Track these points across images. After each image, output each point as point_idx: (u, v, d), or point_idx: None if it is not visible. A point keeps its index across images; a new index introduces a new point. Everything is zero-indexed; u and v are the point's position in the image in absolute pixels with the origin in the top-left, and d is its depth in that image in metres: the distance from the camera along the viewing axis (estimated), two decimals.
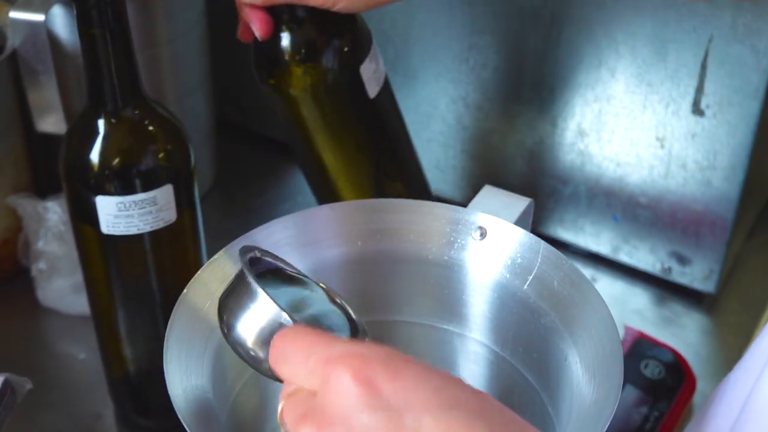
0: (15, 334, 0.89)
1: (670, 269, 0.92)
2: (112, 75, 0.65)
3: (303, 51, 0.78)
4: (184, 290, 0.57)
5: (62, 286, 0.88)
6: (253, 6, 0.72)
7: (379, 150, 0.86)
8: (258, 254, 0.54)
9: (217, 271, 0.58)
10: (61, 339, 0.89)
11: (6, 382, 0.69)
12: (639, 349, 0.83)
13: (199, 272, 0.58)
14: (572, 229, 0.94)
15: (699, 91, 0.83)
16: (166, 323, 0.55)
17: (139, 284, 0.74)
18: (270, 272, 0.54)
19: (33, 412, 0.79)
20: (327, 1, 0.70)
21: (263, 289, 0.49)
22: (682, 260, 0.91)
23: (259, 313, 0.49)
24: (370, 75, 0.80)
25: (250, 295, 0.49)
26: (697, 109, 0.84)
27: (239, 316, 0.49)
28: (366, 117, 0.83)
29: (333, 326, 0.53)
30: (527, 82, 0.90)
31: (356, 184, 0.86)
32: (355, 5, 0.71)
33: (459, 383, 0.41)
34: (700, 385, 0.81)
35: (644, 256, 0.93)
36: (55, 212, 0.87)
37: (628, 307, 0.92)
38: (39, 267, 0.88)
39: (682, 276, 0.92)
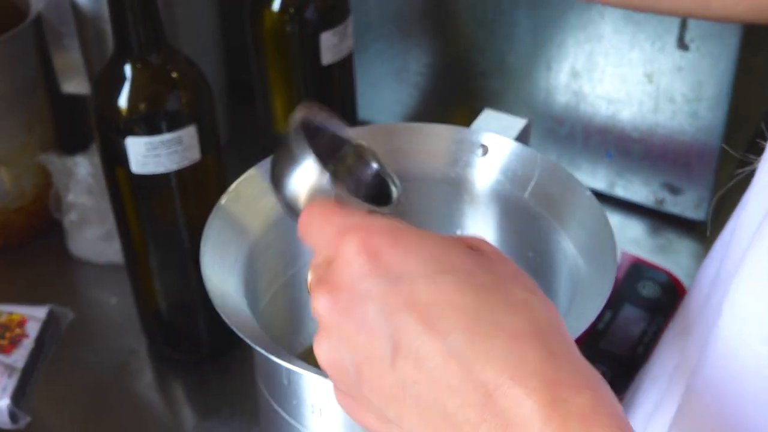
0: (50, 284, 0.91)
1: (663, 200, 0.95)
2: (137, 23, 0.69)
3: (280, 4, 0.86)
4: (220, 200, 0.60)
5: (92, 236, 0.91)
6: None
7: (315, 101, 0.92)
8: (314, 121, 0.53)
9: (249, 185, 0.62)
10: (93, 286, 0.91)
11: (51, 311, 0.74)
12: (635, 272, 0.85)
13: (233, 185, 0.61)
14: (569, 167, 0.93)
15: (683, 26, 0.85)
16: (194, 260, 0.58)
17: (168, 223, 0.78)
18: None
19: (73, 348, 0.82)
20: None
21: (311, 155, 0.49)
22: (673, 191, 0.94)
23: (305, 175, 0.49)
24: (329, 45, 0.87)
25: (297, 159, 0.50)
26: (681, 44, 0.86)
27: (289, 176, 0.50)
28: (312, 73, 0.90)
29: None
30: (522, 27, 0.92)
31: (288, 117, 0.93)
32: None
33: (458, 249, 0.43)
34: None
35: (638, 189, 0.95)
36: (83, 166, 0.90)
37: (625, 238, 0.94)
38: (70, 218, 0.91)
39: (674, 206, 0.95)
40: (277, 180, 0.50)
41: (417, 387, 0.40)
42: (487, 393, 0.39)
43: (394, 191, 0.53)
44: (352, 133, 0.54)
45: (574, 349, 0.41)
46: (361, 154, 0.54)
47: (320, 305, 0.43)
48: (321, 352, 0.44)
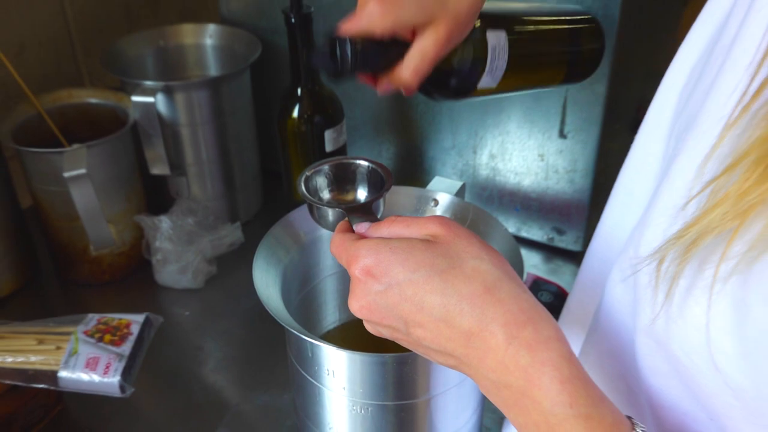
0: (144, 303, 0.92)
1: (552, 238, 0.97)
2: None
3: (298, 111, 0.89)
4: (266, 235, 0.61)
5: (172, 270, 0.92)
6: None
7: None
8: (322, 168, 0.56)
9: (282, 228, 0.63)
10: (173, 304, 0.92)
11: (147, 317, 0.74)
12: (536, 286, 0.88)
13: (272, 228, 0.62)
14: None
15: (562, 122, 0.88)
16: None
17: None
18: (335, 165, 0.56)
19: (161, 344, 0.82)
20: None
21: (318, 203, 0.53)
22: (560, 232, 0.96)
23: (322, 212, 0.53)
24: (331, 138, 0.90)
25: (314, 208, 0.53)
26: (562, 134, 0.89)
27: (315, 210, 0.54)
28: (320, 158, 0.90)
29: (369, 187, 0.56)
30: (458, 126, 0.95)
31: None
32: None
33: (420, 249, 0.42)
34: None
35: (536, 231, 0.98)
36: (165, 222, 0.91)
37: (529, 264, 0.96)
38: (156, 258, 0.92)
39: (560, 242, 0.97)
40: (313, 216, 0.54)
41: (426, 341, 0.42)
42: (467, 338, 0.41)
43: (385, 177, 0.55)
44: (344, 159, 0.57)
45: (517, 289, 0.41)
46: (354, 167, 0.57)
47: (353, 308, 0.45)
48: (368, 328, 0.46)
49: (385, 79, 0.53)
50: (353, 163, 0.56)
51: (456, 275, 0.41)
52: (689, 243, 0.34)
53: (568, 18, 0.69)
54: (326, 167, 0.56)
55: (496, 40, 0.57)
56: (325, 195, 0.56)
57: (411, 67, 0.52)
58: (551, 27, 0.67)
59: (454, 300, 0.41)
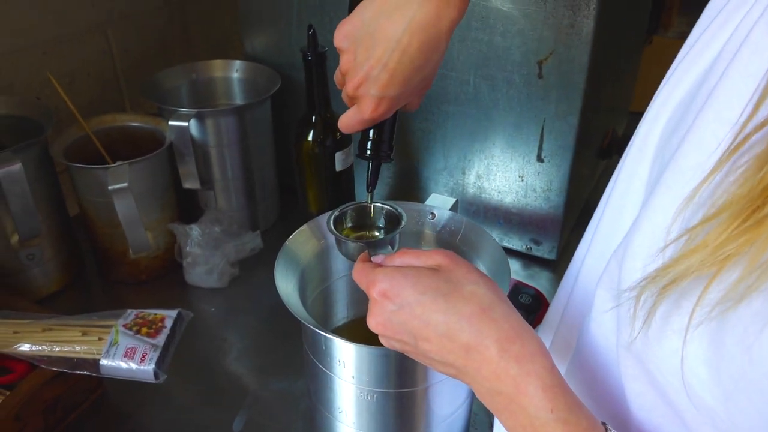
0: (174, 300, 0.90)
1: (530, 248, 0.96)
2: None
3: (312, 136, 0.88)
4: (286, 242, 0.60)
5: (200, 271, 0.91)
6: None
7: (332, 193, 0.93)
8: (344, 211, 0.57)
9: (302, 235, 0.62)
10: (201, 301, 0.90)
11: (179, 312, 0.72)
12: (517, 289, 0.86)
13: (294, 233, 0.61)
14: None
15: (540, 148, 0.87)
16: None
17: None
18: (353, 208, 0.57)
19: (191, 336, 0.81)
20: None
21: (345, 238, 0.54)
22: (537, 243, 0.95)
23: (348, 246, 0.54)
24: (340, 159, 0.89)
25: (341, 242, 0.54)
26: (539, 158, 0.88)
27: (341, 244, 0.54)
28: (330, 176, 0.91)
29: (385, 226, 0.57)
30: (450, 150, 0.94)
31: (316, 202, 0.94)
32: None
33: (426, 275, 0.43)
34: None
35: (516, 242, 0.96)
36: (195, 230, 0.90)
37: (510, 270, 0.96)
38: (187, 261, 0.91)
39: (537, 251, 0.96)
40: (340, 249, 0.54)
41: (432, 354, 0.42)
42: (466, 351, 0.41)
43: (403, 215, 0.56)
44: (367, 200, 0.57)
45: (508, 310, 0.41)
46: (372, 208, 0.57)
47: (371, 324, 0.45)
48: (383, 342, 0.46)
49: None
50: (373, 206, 0.57)
51: (457, 297, 0.42)
52: (667, 283, 0.33)
53: None
54: (350, 209, 0.57)
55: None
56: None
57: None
58: None
59: (455, 318, 0.41)
